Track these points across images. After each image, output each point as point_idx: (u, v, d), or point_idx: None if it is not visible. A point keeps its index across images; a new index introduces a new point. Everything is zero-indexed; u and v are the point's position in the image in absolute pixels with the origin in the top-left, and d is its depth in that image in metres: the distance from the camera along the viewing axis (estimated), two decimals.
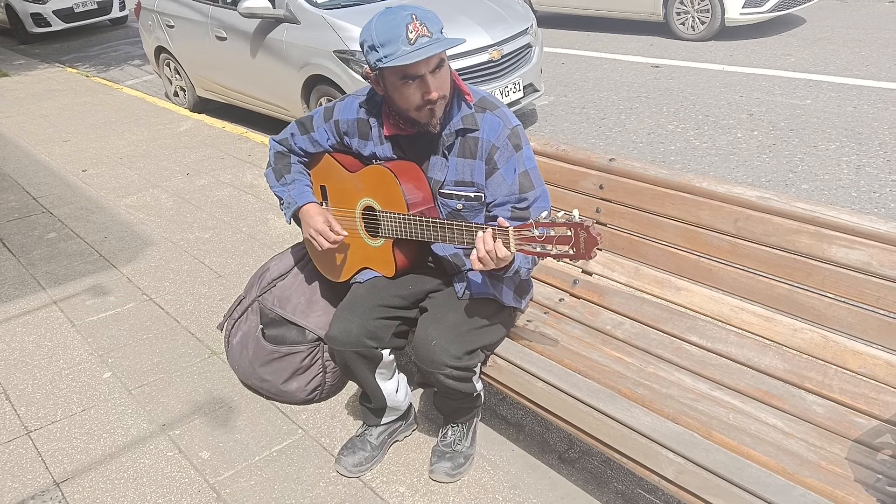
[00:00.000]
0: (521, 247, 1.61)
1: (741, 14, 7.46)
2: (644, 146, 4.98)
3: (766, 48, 7.18)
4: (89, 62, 9.76)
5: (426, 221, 1.83)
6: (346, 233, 2.06)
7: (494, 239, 1.66)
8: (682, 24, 7.82)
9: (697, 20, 7.68)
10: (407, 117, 1.84)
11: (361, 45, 1.76)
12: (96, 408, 2.53)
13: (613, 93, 6.24)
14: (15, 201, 4.54)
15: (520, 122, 1.90)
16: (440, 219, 1.82)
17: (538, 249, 1.58)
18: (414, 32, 1.67)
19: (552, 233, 1.54)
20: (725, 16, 7.46)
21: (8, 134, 6.09)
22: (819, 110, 5.31)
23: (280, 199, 2.17)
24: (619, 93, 6.23)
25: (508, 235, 1.62)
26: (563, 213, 1.55)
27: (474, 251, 1.69)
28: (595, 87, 6.48)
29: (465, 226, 1.75)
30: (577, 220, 1.51)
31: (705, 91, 6.02)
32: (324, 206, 2.16)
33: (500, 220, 1.65)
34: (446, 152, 1.89)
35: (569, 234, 1.52)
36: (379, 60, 1.71)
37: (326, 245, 2.04)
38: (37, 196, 4.61)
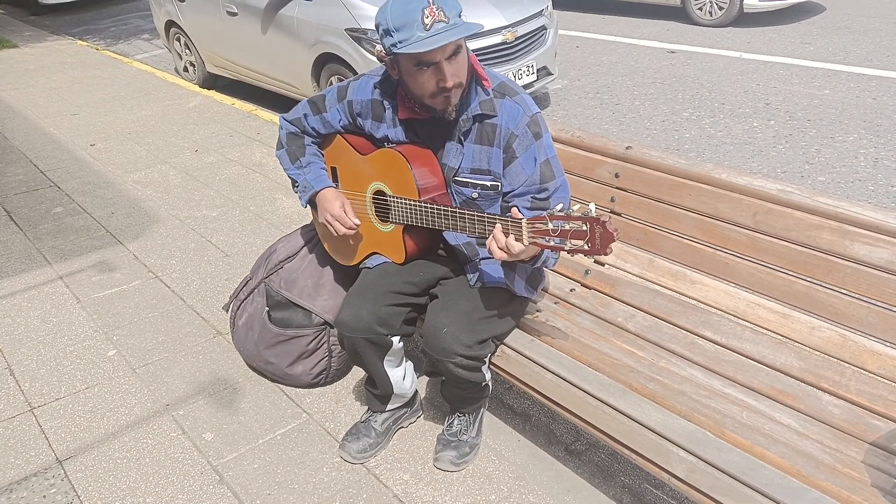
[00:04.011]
0: (535, 240, 1.56)
1: (760, 0, 7.32)
2: (658, 133, 4.90)
3: (784, 36, 7.06)
4: (99, 35, 9.69)
5: (438, 209, 1.79)
6: (359, 221, 2.03)
7: (507, 234, 1.61)
8: (700, 9, 7.69)
9: (715, 6, 7.54)
10: (422, 103, 1.79)
11: (376, 28, 1.71)
12: (100, 386, 2.51)
13: (628, 78, 6.15)
14: (22, 174, 4.51)
15: (540, 110, 1.85)
16: (452, 207, 1.78)
17: (552, 243, 1.53)
18: (430, 17, 1.61)
19: (567, 227, 1.50)
20: (744, 2, 7.32)
21: (16, 106, 6.06)
22: (837, 101, 5.21)
23: (294, 181, 2.12)
24: (633, 78, 6.13)
25: (521, 228, 1.58)
26: (578, 206, 1.50)
27: (492, 243, 1.65)
28: (609, 71, 6.39)
29: (478, 215, 1.70)
30: (594, 214, 1.46)
31: (722, 78, 5.93)
32: (338, 189, 2.12)
33: (514, 211, 1.61)
34: (462, 138, 1.84)
35: (584, 228, 1.47)
36: (393, 45, 1.66)
37: (342, 231, 2.01)
38: (44, 170, 4.58)
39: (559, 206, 1.53)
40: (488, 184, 1.86)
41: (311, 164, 2.09)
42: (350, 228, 2.02)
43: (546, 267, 1.85)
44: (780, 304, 1.84)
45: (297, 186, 2.11)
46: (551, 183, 1.82)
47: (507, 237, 1.62)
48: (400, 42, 1.64)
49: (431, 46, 1.61)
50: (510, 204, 1.86)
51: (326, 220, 2.04)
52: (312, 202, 2.09)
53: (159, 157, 4.75)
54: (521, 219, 1.58)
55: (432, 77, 1.70)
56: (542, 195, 1.82)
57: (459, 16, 1.67)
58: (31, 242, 3.60)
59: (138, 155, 4.79)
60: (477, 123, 1.83)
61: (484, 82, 1.82)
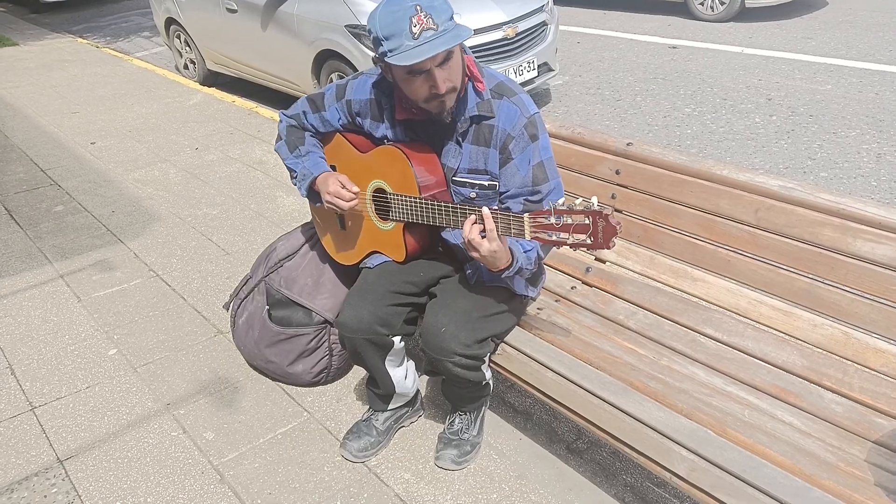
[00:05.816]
0: (537, 234, 1.55)
1: None
2: (660, 129, 4.88)
3: (786, 31, 7.03)
4: (100, 33, 9.69)
5: (438, 206, 1.78)
6: (358, 189, 1.95)
7: (497, 226, 1.62)
8: (702, 4, 7.66)
9: (717, 1, 7.51)
10: (418, 106, 1.78)
11: (368, 33, 1.69)
12: (101, 385, 2.51)
13: (629, 74, 6.13)
14: (23, 173, 4.51)
15: (538, 110, 1.83)
16: (453, 203, 1.77)
17: (554, 237, 1.52)
18: (418, 26, 1.59)
19: (569, 220, 1.49)
20: None
21: (17, 104, 6.05)
22: (840, 96, 5.19)
23: (293, 171, 2.07)
24: (635, 74, 6.11)
25: (523, 223, 1.57)
26: (581, 199, 1.49)
27: (474, 227, 1.66)
28: (611, 67, 6.37)
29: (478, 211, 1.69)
30: (596, 207, 1.45)
31: (723, 74, 5.90)
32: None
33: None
34: (460, 139, 1.83)
35: (587, 222, 1.46)
36: (384, 54, 1.64)
37: (346, 205, 1.93)
38: (45, 168, 4.58)
39: (561, 201, 1.52)
40: (486, 183, 1.85)
41: (311, 153, 2.06)
42: (351, 200, 1.93)
43: (521, 275, 1.84)
44: (782, 302, 1.83)
45: (296, 176, 2.06)
46: (544, 185, 1.81)
47: (489, 225, 1.62)
48: (390, 51, 1.62)
49: (419, 58, 1.59)
50: (504, 205, 1.85)
51: (327, 203, 1.97)
52: (312, 193, 2.05)
53: (160, 155, 4.74)
54: (523, 214, 1.57)
55: (424, 83, 1.68)
56: (535, 197, 1.82)
57: (451, 18, 1.64)
58: (31, 241, 3.60)
59: (139, 153, 4.79)
60: (474, 125, 1.82)
61: (478, 84, 1.80)
